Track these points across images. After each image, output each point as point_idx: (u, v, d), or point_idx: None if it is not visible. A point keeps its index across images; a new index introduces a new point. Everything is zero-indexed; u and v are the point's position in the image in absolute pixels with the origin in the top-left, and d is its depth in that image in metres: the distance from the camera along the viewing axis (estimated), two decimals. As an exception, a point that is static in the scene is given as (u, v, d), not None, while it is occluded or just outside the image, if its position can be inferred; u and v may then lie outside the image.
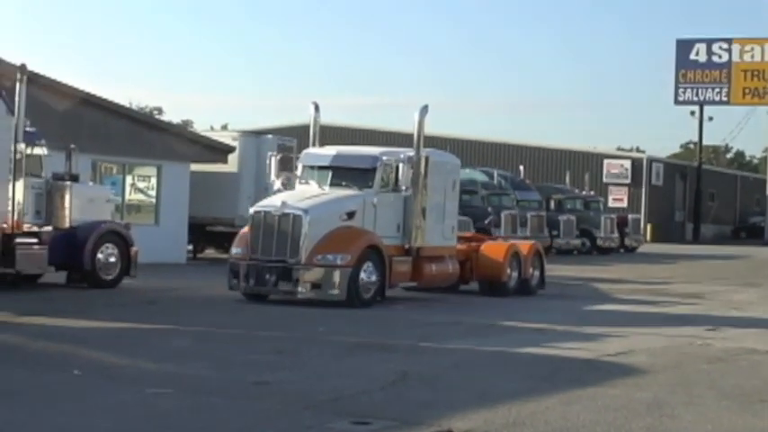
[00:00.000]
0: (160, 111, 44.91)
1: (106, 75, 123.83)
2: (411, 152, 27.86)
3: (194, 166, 43.21)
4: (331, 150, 29.02)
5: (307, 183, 28.14)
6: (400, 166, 27.17)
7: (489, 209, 54.07)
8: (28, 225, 26.57)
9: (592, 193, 69.23)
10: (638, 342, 21.04)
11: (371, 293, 26.00)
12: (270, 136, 46.98)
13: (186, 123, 45.71)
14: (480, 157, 72.38)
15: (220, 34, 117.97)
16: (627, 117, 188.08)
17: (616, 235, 63.87)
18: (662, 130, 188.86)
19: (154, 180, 42.28)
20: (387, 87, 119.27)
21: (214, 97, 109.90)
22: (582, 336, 21.83)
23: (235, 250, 26.88)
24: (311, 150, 29.48)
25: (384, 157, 27.58)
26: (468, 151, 75.23)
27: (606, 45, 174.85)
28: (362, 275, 25.55)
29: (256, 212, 26.57)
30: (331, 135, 70.87)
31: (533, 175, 67.09)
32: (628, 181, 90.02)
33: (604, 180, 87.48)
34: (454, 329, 22.48)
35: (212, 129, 45.68)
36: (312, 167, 28.44)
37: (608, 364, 18.19)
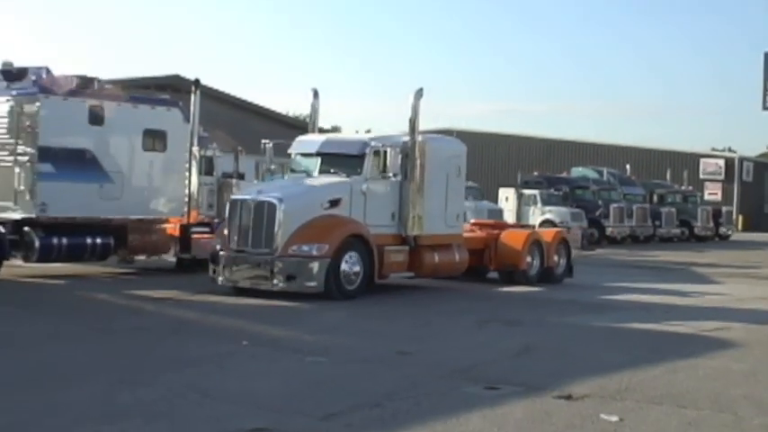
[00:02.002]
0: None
1: (267, 86, 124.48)
2: (406, 137, 23.55)
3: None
4: (320, 137, 24.68)
5: (297, 170, 24.18)
6: (388, 151, 22.72)
7: (600, 202, 53.87)
8: (202, 216, 27.15)
9: (690, 188, 68.40)
10: (735, 319, 20.50)
11: (356, 285, 21.62)
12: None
13: (335, 128, 45.79)
14: (592, 157, 71.61)
15: (358, 46, 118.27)
16: (721, 121, 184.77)
17: (711, 225, 62.82)
18: (752, 132, 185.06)
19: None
20: (535, 93, 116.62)
21: (358, 104, 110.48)
22: (683, 313, 21.37)
23: (216, 240, 22.79)
24: (302, 137, 25.19)
25: (373, 143, 23.04)
26: (582, 152, 74.68)
27: (706, 55, 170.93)
28: (344, 266, 21.28)
29: (233, 202, 22.28)
30: (472, 140, 71.07)
31: (638, 173, 66.22)
32: (722, 177, 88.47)
33: (701, 177, 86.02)
34: (570, 307, 22.18)
35: (357, 132, 45.65)
36: (302, 155, 24.19)
37: (707, 338, 17.81)
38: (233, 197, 22.21)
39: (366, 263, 21.76)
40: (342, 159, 22.93)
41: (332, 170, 22.85)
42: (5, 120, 24.26)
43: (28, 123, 24.16)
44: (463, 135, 71.87)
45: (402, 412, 10.77)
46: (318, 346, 15.34)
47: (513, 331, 17.94)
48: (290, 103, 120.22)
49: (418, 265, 23.61)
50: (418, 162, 23.00)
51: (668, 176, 69.27)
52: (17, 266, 24.38)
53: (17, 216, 23.15)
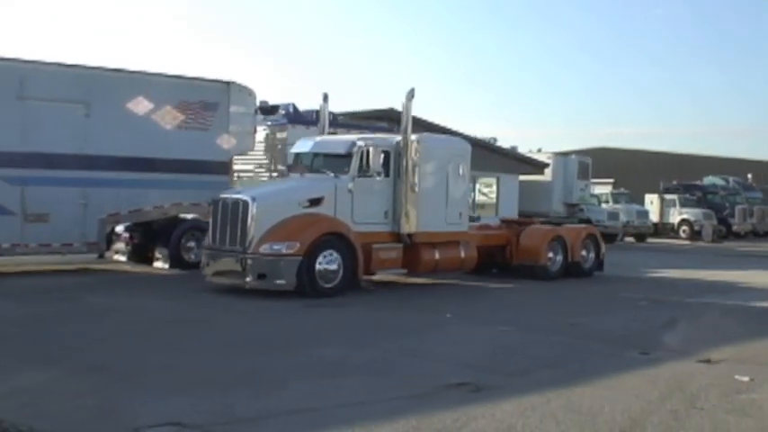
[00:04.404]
0: (495, 140, 45.28)
1: (458, 113, 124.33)
2: (399, 137, 19.72)
3: (521, 177, 43.48)
4: (315, 138, 20.87)
5: (293, 171, 20.41)
6: (370, 150, 18.80)
7: (726, 204, 53.70)
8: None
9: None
10: None
11: (336, 282, 17.79)
12: (573, 156, 46.53)
13: (513, 148, 45.70)
14: (718, 168, 69.64)
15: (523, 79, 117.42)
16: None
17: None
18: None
19: (494, 187, 42.78)
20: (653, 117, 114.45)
21: (533, 128, 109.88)
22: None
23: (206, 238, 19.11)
24: (301, 139, 21.22)
25: (360, 143, 19.13)
26: (709, 165, 72.65)
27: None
28: (320, 264, 17.53)
29: (215, 200, 18.60)
30: (623, 155, 69.96)
31: (758, 181, 64.26)
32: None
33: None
34: (703, 289, 21.59)
35: (530, 151, 45.69)
36: (298, 155, 20.37)
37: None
38: (216, 196, 18.65)
39: (347, 260, 18.03)
40: (332, 159, 19.36)
41: (323, 170, 19.28)
42: (263, 144, 25.19)
43: (279, 146, 24.97)
44: (615, 152, 71.37)
45: (574, 371, 10.69)
46: (506, 319, 15.28)
47: (659, 308, 17.53)
48: (485, 128, 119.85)
49: (414, 261, 19.73)
50: (411, 161, 19.36)
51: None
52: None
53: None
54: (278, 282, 17.15)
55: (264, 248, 17.17)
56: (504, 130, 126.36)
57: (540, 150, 47.30)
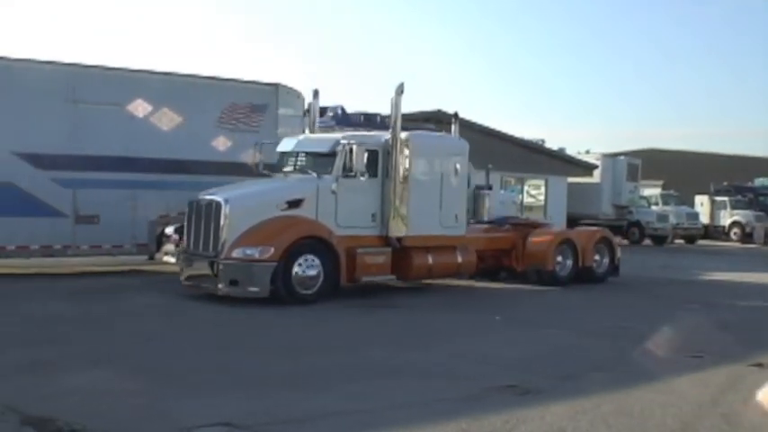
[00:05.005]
0: (543, 141, 45.06)
1: (511, 114, 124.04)
2: (388, 135, 18.23)
3: (570, 179, 43.31)
4: (299, 136, 19.60)
5: (278, 171, 18.82)
6: (354, 149, 17.21)
7: None
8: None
9: None
10: None
11: (315, 289, 16.49)
12: (622, 157, 46.28)
13: (561, 149, 45.48)
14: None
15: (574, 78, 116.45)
16: None
17: None
18: None
19: (542, 189, 42.70)
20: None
21: (582, 129, 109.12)
22: None
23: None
24: (287, 137, 19.67)
25: (344, 141, 17.62)
26: (759, 166, 71.75)
27: None
28: (297, 269, 16.28)
29: (190, 203, 17.29)
30: (673, 157, 69.40)
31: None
32: None
33: None
34: (749, 290, 21.37)
35: (579, 153, 45.45)
36: (283, 154, 18.89)
37: None
38: (192, 198, 17.35)
39: (328, 266, 16.77)
40: (316, 158, 18.04)
41: (307, 169, 17.99)
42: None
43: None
44: (664, 153, 70.65)
45: (625, 374, 10.64)
46: (555, 321, 15.23)
47: (710, 311, 17.36)
48: (525, 128, 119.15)
49: (405, 267, 18.25)
50: (400, 160, 17.91)
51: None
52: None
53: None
54: (251, 289, 16.03)
55: (237, 253, 16.09)
56: (552, 131, 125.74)
57: (588, 152, 47.05)
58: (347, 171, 17.32)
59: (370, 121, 24.26)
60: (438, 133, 20.77)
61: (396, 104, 17.97)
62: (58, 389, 9.00)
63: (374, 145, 18.00)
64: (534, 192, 43.11)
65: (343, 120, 25.90)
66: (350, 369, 10.53)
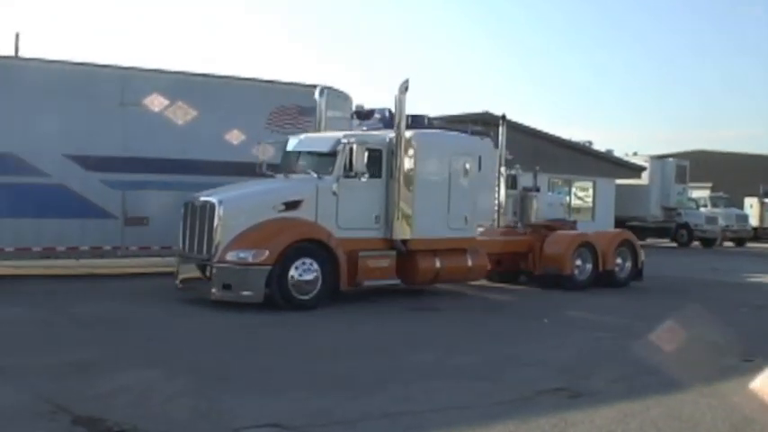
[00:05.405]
0: (591, 143, 44.91)
1: (552, 116, 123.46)
2: (392, 133, 17.59)
3: (618, 181, 43.09)
4: (301, 135, 18.96)
5: (282, 171, 18.15)
6: (354, 148, 16.50)
7: None
8: (507, 221, 27.16)
9: None
10: None
11: (313, 294, 15.75)
12: (670, 159, 45.94)
13: (609, 151, 45.32)
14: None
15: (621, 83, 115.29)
16: None
17: None
18: None
19: (590, 191, 42.51)
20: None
21: (629, 131, 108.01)
22: None
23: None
24: (291, 137, 19.02)
25: (344, 140, 16.93)
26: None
27: None
28: (294, 273, 15.55)
29: (186, 203, 16.70)
30: (723, 158, 68.69)
31: None
32: None
33: None
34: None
35: (626, 155, 45.25)
36: (287, 154, 18.42)
37: None
38: (187, 199, 16.75)
39: (327, 270, 16.05)
40: (317, 158, 17.47)
41: (308, 169, 17.32)
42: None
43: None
44: (713, 155, 69.87)
45: (674, 378, 10.48)
46: (602, 325, 15.13)
47: (761, 314, 17.17)
48: (573, 130, 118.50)
49: (411, 271, 17.50)
50: (404, 160, 17.25)
51: None
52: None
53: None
54: (244, 293, 15.40)
55: (230, 256, 15.48)
56: (599, 133, 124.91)
57: (635, 154, 46.77)
58: (348, 171, 16.68)
59: (417, 122, 24.13)
60: (445, 132, 19.83)
61: (399, 102, 17.37)
62: (108, 389, 9.08)
63: (377, 144, 17.41)
64: (582, 193, 42.98)
65: (391, 122, 25.81)
66: (400, 371, 10.54)
